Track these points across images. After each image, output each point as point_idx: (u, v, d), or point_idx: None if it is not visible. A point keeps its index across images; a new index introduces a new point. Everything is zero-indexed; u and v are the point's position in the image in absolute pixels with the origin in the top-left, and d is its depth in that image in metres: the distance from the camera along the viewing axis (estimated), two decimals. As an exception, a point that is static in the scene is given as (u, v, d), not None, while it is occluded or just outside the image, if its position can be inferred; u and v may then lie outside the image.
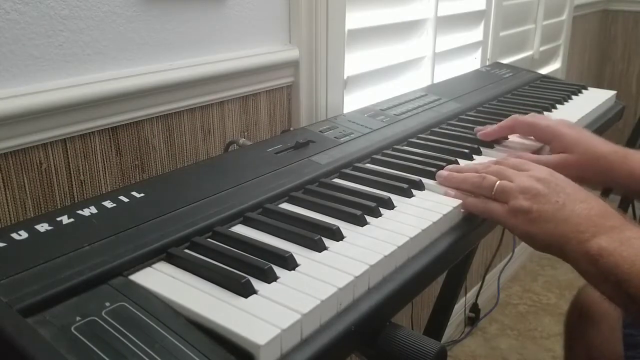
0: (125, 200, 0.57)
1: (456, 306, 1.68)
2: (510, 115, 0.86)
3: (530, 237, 0.60)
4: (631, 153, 0.76)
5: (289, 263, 0.49)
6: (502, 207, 0.62)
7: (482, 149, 0.82)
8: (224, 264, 0.49)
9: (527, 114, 0.98)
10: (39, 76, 0.67)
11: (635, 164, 0.74)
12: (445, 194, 0.66)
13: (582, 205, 0.58)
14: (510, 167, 0.66)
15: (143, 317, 0.42)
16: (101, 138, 0.75)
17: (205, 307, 0.43)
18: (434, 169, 0.71)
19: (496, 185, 0.63)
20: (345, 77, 1.10)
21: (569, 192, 0.60)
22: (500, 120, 0.85)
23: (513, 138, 0.87)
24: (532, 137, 0.85)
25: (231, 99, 0.91)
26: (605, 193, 2.33)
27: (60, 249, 0.48)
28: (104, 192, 0.76)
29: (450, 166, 0.71)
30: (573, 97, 1.15)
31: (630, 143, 2.22)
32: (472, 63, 1.61)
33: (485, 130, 0.84)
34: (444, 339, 1.75)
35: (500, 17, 1.66)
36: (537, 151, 0.84)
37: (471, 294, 2.02)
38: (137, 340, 0.39)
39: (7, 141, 0.65)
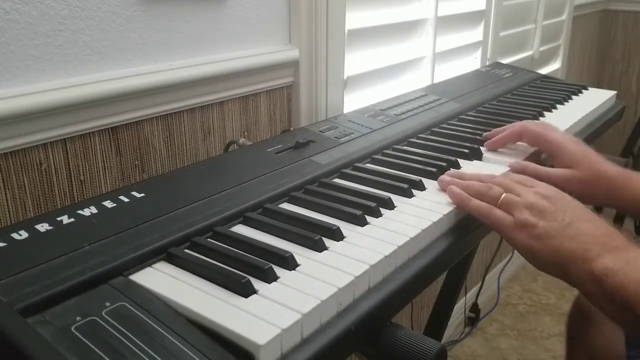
0: (126, 200, 0.57)
1: (456, 306, 1.68)
2: (510, 115, 0.85)
3: (533, 253, 0.58)
4: (636, 175, 0.75)
5: (289, 263, 0.49)
6: (508, 217, 0.60)
7: (482, 149, 0.82)
8: (224, 264, 0.49)
9: (527, 114, 0.98)
10: (39, 76, 0.67)
11: (639, 186, 0.73)
12: (449, 191, 0.64)
13: (587, 225, 0.57)
14: (515, 182, 0.65)
15: (143, 317, 0.42)
16: (101, 138, 0.75)
17: (206, 307, 0.43)
18: (434, 169, 0.71)
19: (502, 197, 0.61)
20: (345, 77, 1.10)
21: (575, 211, 0.59)
22: (500, 120, 0.85)
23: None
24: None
25: (231, 99, 0.91)
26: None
27: (60, 249, 0.48)
28: (104, 192, 0.75)
29: (452, 171, 0.70)
30: (573, 97, 1.15)
31: (630, 143, 2.22)
32: (472, 63, 1.61)
33: (492, 140, 0.83)
34: (444, 339, 1.75)
35: (500, 17, 1.66)
36: (532, 154, 0.83)
37: (471, 294, 2.02)
38: (137, 340, 0.39)
39: (7, 141, 0.65)
